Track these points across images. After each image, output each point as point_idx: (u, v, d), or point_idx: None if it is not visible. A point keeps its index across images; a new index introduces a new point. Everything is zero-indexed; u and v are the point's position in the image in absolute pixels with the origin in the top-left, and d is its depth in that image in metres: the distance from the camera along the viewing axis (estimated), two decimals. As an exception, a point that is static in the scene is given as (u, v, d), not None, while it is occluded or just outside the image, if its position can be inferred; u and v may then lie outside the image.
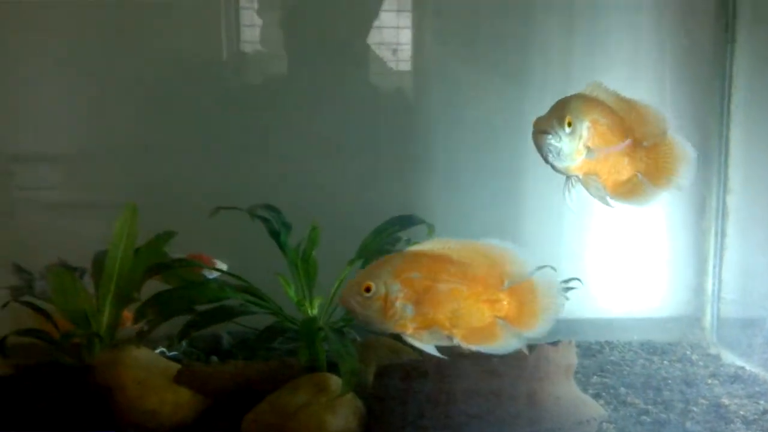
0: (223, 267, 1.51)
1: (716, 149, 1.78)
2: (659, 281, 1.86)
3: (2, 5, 1.76)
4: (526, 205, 1.86)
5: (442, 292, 1.06)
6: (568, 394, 1.24)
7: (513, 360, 1.15)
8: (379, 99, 1.93)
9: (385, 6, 1.88)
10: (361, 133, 1.87)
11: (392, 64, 1.91)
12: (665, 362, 1.62)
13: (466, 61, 1.88)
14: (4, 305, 1.36)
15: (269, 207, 1.58)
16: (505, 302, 1.08)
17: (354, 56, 1.90)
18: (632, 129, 1.12)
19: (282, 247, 1.51)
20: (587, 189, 1.10)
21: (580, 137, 1.06)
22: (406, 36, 1.90)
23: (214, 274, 1.50)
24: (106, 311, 1.38)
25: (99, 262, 1.42)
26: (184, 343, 1.52)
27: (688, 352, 1.69)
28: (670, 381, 1.50)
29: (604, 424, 1.27)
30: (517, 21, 1.86)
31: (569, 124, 1.05)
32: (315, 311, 1.48)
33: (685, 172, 1.13)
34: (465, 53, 1.89)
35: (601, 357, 1.64)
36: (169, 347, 1.51)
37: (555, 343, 1.23)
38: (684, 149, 1.12)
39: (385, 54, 1.90)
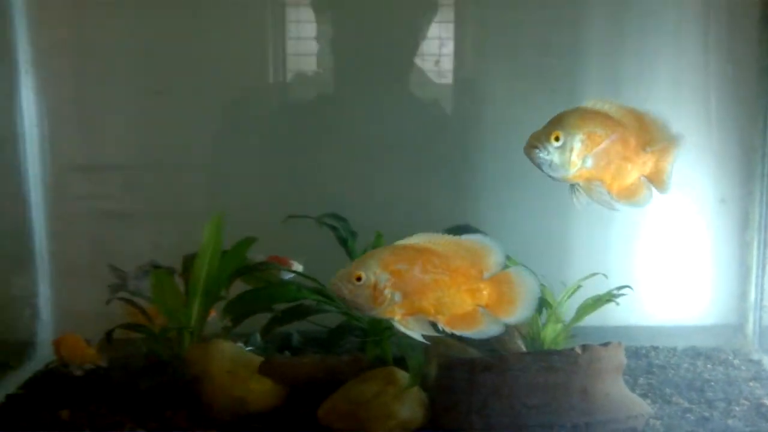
0: (299, 269, 1.65)
1: (759, 165, 1.86)
2: (704, 290, 1.93)
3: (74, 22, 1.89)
4: (575, 215, 1.94)
5: (426, 282, 1.18)
6: (618, 391, 1.34)
7: (568, 357, 1.26)
8: (432, 112, 2.02)
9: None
10: (414, 148, 1.97)
11: (436, 77, 1.98)
12: (708, 366, 1.70)
13: (516, 74, 1.97)
14: (107, 302, 1.52)
15: (336, 216, 1.72)
16: (485, 292, 1.20)
17: (403, 72, 1.99)
18: (636, 136, 1.22)
19: (350, 253, 1.65)
20: (589, 195, 1.21)
21: (572, 150, 1.17)
22: (448, 47, 1.97)
23: (291, 275, 1.64)
24: (194, 308, 1.53)
25: (188, 263, 1.57)
26: (259, 339, 1.67)
27: (730, 357, 1.76)
28: (713, 383, 1.58)
29: (651, 420, 1.37)
30: (566, 33, 1.95)
31: (557, 139, 1.16)
32: (380, 312, 1.61)
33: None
34: (515, 66, 1.98)
35: (648, 360, 1.73)
36: (246, 343, 1.65)
37: (606, 344, 1.34)
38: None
39: (429, 66, 1.98)
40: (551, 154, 1.16)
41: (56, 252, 1.88)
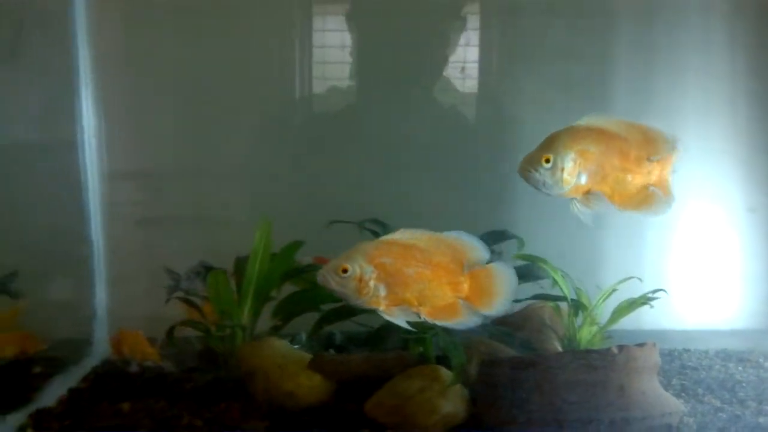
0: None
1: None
2: (734, 295, 1.98)
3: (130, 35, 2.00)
4: (607, 222, 2.00)
5: (409, 275, 1.26)
6: (653, 389, 1.39)
7: (606, 356, 1.32)
8: (465, 120, 2.10)
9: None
10: (447, 156, 2.05)
11: (467, 85, 2.05)
12: (739, 368, 1.74)
13: (545, 82, 2.03)
14: (166, 301, 1.62)
15: (376, 221, 1.79)
16: (465, 285, 1.28)
17: (432, 80, 2.07)
18: (638, 148, 1.27)
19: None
20: (589, 207, 1.27)
21: (563, 169, 1.23)
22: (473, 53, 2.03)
23: None
24: (246, 307, 1.62)
25: (240, 265, 1.66)
26: (304, 338, 1.75)
27: (761, 360, 1.80)
28: (744, 384, 1.63)
29: (685, 417, 1.42)
30: (596, 41, 2.01)
31: (547, 161, 1.23)
32: (422, 313, 1.68)
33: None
34: (543, 74, 2.04)
35: (680, 362, 1.78)
36: (292, 341, 1.73)
37: (641, 345, 1.39)
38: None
39: (456, 73, 2.05)
40: (543, 175, 1.23)
41: (110, 255, 1.97)
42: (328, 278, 1.24)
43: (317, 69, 2.03)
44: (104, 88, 1.91)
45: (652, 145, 1.28)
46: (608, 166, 1.26)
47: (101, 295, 1.95)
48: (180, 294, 1.66)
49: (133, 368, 1.71)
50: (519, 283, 1.53)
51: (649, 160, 1.28)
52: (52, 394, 1.62)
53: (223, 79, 1.99)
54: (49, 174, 1.81)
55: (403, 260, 1.26)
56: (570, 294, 1.58)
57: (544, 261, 1.59)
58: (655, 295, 1.56)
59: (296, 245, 1.66)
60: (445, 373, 1.46)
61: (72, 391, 1.66)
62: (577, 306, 1.57)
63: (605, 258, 1.99)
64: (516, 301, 1.55)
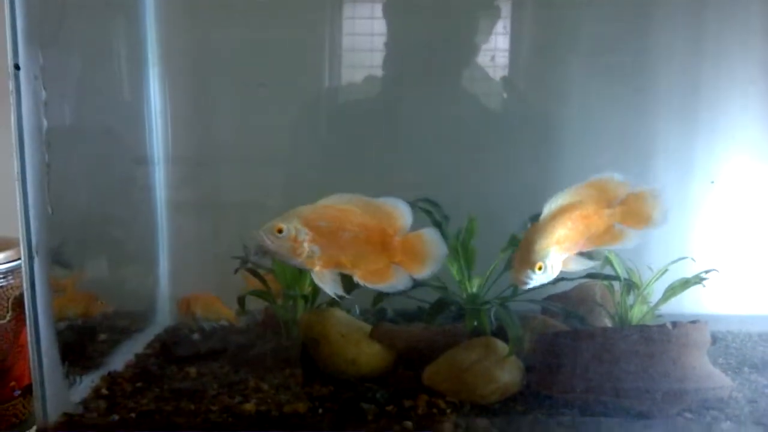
0: None
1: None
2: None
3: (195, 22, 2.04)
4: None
5: (344, 238, 1.31)
6: (703, 365, 1.45)
7: (662, 330, 1.38)
8: (513, 106, 2.14)
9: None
10: (498, 140, 2.09)
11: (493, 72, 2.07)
12: (784, 350, 1.79)
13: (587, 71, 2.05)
14: (235, 271, 1.69)
15: (429, 201, 1.85)
16: (397, 250, 1.34)
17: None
18: (595, 203, 1.39)
19: (444, 235, 1.78)
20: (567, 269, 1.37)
21: (552, 267, 1.33)
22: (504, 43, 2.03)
23: None
24: (308, 279, 1.68)
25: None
26: (358, 311, 1.81)
27: (805, 342, 1.84)
28: (789, 365, 1.67)
29: (734, 392, 1.48)
30: (637, 31, 2.02)
31: (540, 268, 1.32)
32: (475, 289, 1.74)
33: (658, 212, 1.40)
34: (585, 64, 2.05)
35: (724, 344, 1.82)
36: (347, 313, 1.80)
37: (693, 322, 1.45)
38: (652, 195, 1.40)
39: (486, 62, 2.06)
40: (539, 279, 1.33)
41: (172, 233, 2.05)
42: (264, 238, 1.29)
43: (347, 57, 2.07)
44: (171, 72, 1.98)
45: (608, 193, 1.41)
46: (576, 233, 1.37)
47: (164, 267, 2.03)
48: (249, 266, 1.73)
49: (197, 335, 1.80)
50: None
51: (609, 207, 1.40)
52: (120, 359, 1.71)
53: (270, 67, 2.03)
54: (117, 153, 1.89)
55: (338, 223, 1.32)
56: (622, 273, 1.63)
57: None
58: (708, 275, 1.60)
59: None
60: (501, 345, 1.52)
61: (138, 357, 1.75)
62: (629, 285, 1.62)
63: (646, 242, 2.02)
64: (568, 279, 1.62)
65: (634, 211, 1.39)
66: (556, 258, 1.34)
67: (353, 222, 1.33)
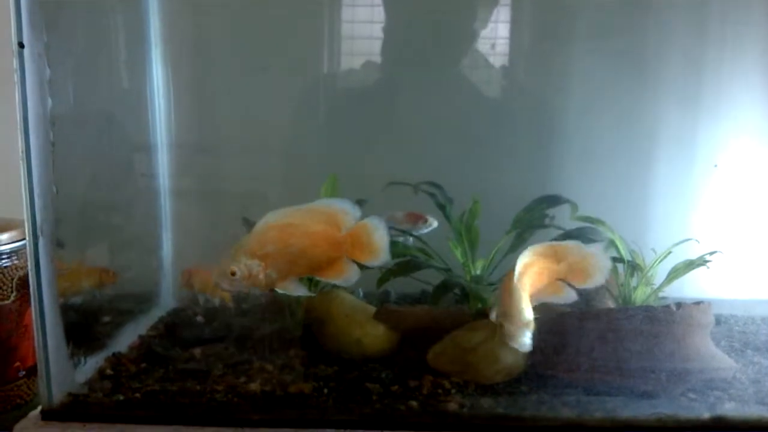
0: (434, 224, 1.80)
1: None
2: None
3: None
4: (656, 189, 2.04)
5: (293, 252, 1.34)
6: (707, 346, 1.46)
7: (667, 311, 1.38)
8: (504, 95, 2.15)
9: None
10: (501, 124, 2.08)
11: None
12: (786, 333, 1.80)
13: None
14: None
15: (433, 184, 1.85)
16: (344, 244, 1.36)
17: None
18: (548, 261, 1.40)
19: (448, 217, 1.79)
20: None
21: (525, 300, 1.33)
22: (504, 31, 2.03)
23: (432, 227, 1.80)
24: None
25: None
26: (361, 293, 1.82)
27: (808, 326, 1.84)
28: (792, 347, 1.68)
29: (737, 374, 1.48)
30: (639, 15, 2.01)
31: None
32: (479, 271, 1.75)
33: (600, 273, 1.41)
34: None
35: (727, 326, 1.83)
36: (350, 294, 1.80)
37: (697, 303, 1.46)
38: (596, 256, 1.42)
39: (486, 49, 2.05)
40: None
41: (175, 216, 2.05)
42: (222, 284, 1.32)
43: (346, 44, 2.07)
44: (173, 52, 1.97)
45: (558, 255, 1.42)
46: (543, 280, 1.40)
47: (168, 249, 2.03)
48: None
49: (200, 317, 1.81)
50: None
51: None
52: (124, 341, 1.71)
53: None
54: (119, 135, 1.88)
55: (283, 243, 1.34)
56: (626, 255, 1.63)
57: (603, 222, 1.64)
58: (711, 257, 1.60)
59: (358, 203, 1.72)
60: (507, 328, 1.50)
61: (142, 338, 1.75)
62: (633, 267, 1.63)
63: (651, 225, 2.03)
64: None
65: (578, 270, 1.41)
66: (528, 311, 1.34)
67: (296, 235, 1.35)
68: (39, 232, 1.34)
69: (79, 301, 1.64)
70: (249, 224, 1.74)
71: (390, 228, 1.76)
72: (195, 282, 1.81)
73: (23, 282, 1.49)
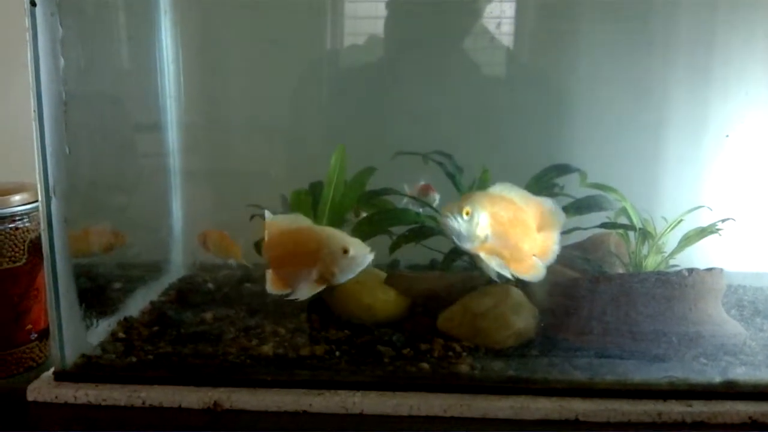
0: (437, 198, 1.82)
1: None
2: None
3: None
4: (668, 158, 2.03)
5: (510, 230, 1.36)
6: (718, 312, 1.46)
7: (679, 275, 1.38)
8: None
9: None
10: (508, 99, 2.08)
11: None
12: (796, 303, 1.80)
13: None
14: (251, 218, 1.69)
15: (442, 153, 1.84)
16: (537, 242, 1.40)
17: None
18: (533, 220, 1.41)
19: (457, 186, 1.78)
20: (489, 264, 1.38)
21: (477, 224, 1.34)
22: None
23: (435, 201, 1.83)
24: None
25: (315, 189, 1.73)
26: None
27: (817, 296, 1.84)
28: (801, 316, 1.68)
29: (747, 340, 1.49)
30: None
31: (467, 213, 1.33)
32: (489, 239, 1.74)
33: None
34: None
35: (736, 296, 1.82)
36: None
37: (709, 270, 1.46)
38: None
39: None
40: (461, 225, 1.33)
41: (185, 187, 2.06)
42: (450, 219, 1.33)
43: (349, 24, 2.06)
44: (181, 20, 1.96)
45: (545, 220, 1.43)
46: (512, 234, 1.39)
47: (178, 218, 2.04)
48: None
49: (211, 284, 1.82)
50: (584, 213, 1.63)
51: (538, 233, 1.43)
52: (135, 306, 1.72)
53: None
54: (130, 97, 1.88)
55: (510, 215, 1.37)
56: (637, 223, 1.63)
57: (615, 190, 1.63)
58: (723, 225, 1.60)
59: (369, 171, 1.73)
60: (516, 292, 1.52)
61: (153, 303, 1.76)
62: (645, 235, 1.62)
63: (664, 193, 2.03)
64: (583, 229, 1.63)
65: (544, 246, 1.43)
66: (484, 226, 1.35)
67: (518, 216, 1.39)
68: (52, 193, 1.35)
69: (89, 262, 1.64)
70: (284, 200, 1.75)
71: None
72: (209, 243, 1.82)
73: (35, 245, 1.49)
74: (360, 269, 1.39)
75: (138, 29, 1.92)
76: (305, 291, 1.40)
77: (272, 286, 1.43)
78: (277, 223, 1.46)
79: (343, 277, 1.39)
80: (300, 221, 1.49)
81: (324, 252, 1.38)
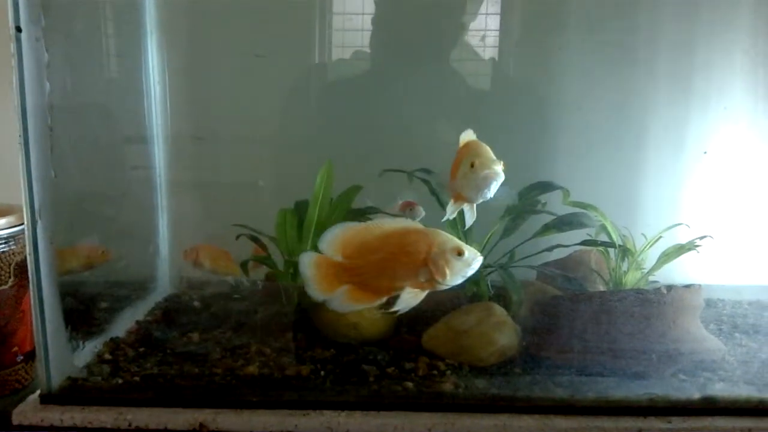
0: (422, 214, 1.81)
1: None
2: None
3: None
4: (647, 175, 2.06)
5: None
6: (697, 328, 1.49)
7: (658, 293, 1.41)
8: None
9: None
10: (492, 114, 2.10)
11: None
12: (774, 317, 1.83)
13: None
14: (237, 238, 1.70)
15: (426, 170, 1.87)
16: None
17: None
18: None
19: (441, 203, 1.80)
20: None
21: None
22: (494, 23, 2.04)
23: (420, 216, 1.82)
24: (308, 245, 1.69)
25: (300, 207, 1.74)
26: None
27: (794, 311, 1.88)
28: (779, 330, 1.72)
29: (726, 355, 1.51)
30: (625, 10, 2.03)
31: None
32: (473, 255, 1.76)
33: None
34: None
35: (715, 310, 1.86)
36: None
37: (687, 286, 1.49)
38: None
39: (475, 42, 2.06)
40: (499, 174, 1.34)
41: (172, 204, 2.06)
42: (492, 170, 1.33)
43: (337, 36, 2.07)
44: (168, 40, 1.97)
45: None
46: None
47: (164, 236, 2.04)
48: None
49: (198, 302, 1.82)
50: (565, 230, 1.65)
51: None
52: (122, 326, 1.73)
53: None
54: (116, 118, 1.89)
55: None
56: (617, 240, 1.66)
57: (595, 208, 1.66)
58: (701, 242, 1.63)
59: (355, 189, 1.74)
60: (499, 310, 1.55)
61: (140, 323, 1.76)
62: (624, 252, 1.65)
63: (643, 210, 2.06)
64: (563, 246, 1.65)
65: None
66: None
67: None
68: (37, 216, 1.35)
69: (75, 282, 1.64)
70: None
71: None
72: (205, 259, 1.78)
73: (21, 267, 1.50)
74: (471, 273, 1.28)
75: (124, 49, 1.93)
76: (410, 299, 1.28)
77: (354, 300, 1.29)
78: (367, 226, 1.31)
79: (454, 281, 1.27)
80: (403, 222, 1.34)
81: (435, 253, 1.26)
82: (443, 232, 1.33)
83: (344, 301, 1.28)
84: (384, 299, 1.30)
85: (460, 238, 1.74)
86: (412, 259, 1.27)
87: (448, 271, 1.25)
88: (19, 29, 1.28)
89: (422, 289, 1.29)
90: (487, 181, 1.34)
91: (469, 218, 1.47)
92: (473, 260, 1.26)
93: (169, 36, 1.96)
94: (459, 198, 1.43)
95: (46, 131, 1.36)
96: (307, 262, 1.28)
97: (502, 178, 1.34)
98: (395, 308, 1.27)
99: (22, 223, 1.41)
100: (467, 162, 1.36)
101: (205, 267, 1.79)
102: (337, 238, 1.29)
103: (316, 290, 1.28)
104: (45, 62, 1.34)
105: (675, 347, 1.40)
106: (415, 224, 1.33)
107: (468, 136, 1.49)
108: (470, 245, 1.74)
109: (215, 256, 1.78)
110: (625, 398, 1.35)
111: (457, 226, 1.77)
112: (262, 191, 2.04)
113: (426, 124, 2.07)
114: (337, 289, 1.28)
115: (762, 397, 1.36)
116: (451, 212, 1.46)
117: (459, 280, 1.27)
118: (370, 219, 1.73)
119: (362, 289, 1.29)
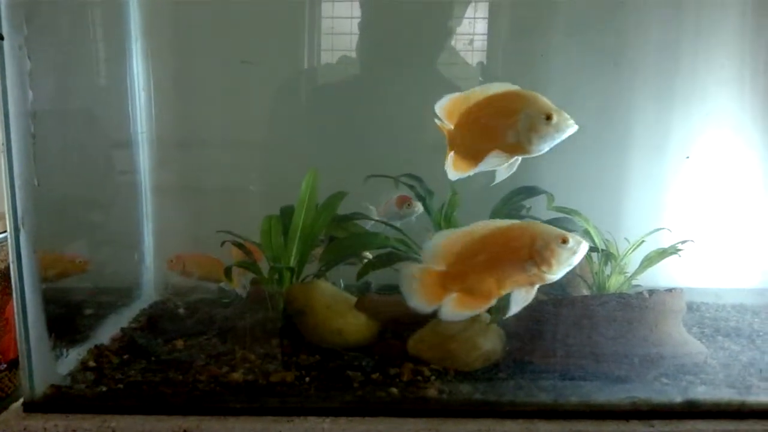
0: (420, 209, 1.79)
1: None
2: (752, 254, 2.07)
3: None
4: (630, 180, 2.08)
5: None
6: (679, 331, 1.50)
7: (640, 297, 1.42)
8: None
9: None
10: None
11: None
12: (756, 320, 1.83)
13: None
14: (222, 244, 1.70)
15: (413, 176, 1.87)
16: None
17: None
18: None
19: (428, 209, 1.81)
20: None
21: None
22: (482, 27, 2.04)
23: (418, 212, 1.80)
24: (293, 251, 1.70)
25: (286, 214, 1.74)
26: (342, 284, 1.84)
27: (776, 314, 1.90)
28: (761, 333, 1.72)
29: (708, 359, 1.53)
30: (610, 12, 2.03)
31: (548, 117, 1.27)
32: (458, 261, 1.77)
33: None
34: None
35: (698, 314, 1.87)
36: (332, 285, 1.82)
37: (669, 290, 1.50)
38: None
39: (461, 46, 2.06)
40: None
41: (156, 210, 2.05)
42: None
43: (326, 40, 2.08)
44: (153, 47, 1.97)
45: None
46: None
47: (149, 244, 2.04)
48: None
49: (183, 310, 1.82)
50: None
51: None
52: (106, 333, 1.72)
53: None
54: (100, 127, 1.89)
55: None
56: (600, 244, 1.67)
57: (578, 213, 1.68)
58: (683, 246, 1.65)
59: (340, 195, 1.75)
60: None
61: (124, 330, 1.76)
62: (607, 256, 1.67)
63: (626, 215, 2.08)
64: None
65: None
66: None
67: None
68: (20, 225, 1.35)
69: (59, 289, 1.63)
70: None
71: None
72: (193, 267, 1.77)
73: (4, 275, 1.49)
74: (578, 260, 1.24)
75: (109, 56, 1.93)
76: (522, 297, 1.25)
77: (464, 307, 1.27)
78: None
79: (561, 271, 1.24)
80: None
81: (540, 245, 1.23)
82: (543, 224, 1.32)
83: (454, 309, 1.27)
84: (493, 302, 1.29)
85: (444, 226, 1.74)
86: (517, 255, 1.25)
87: (554, 261, 1.23)
88: (1, 37, 1.28)
89: (531, 284, 1.27)
90: (565, 134, 1.29)
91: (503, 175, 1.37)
92: (578, 247, 1.24)
93: (154, 42, 1.96)
94: (515, 150, 1.31)
95: (29, 139, 1.35)
96: (410, 274, 1.28)
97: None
98: (510, 312, 1.26)
99: (5, 231, 1.40)
100: (535, 113, 1.27)
101: (195, 276, 1.79)
102: (439, 248, 1.29)
103: (421, 302, 1.28)
104: (28, 70, 1.34)
105: (657, 351, 1.41)
106: (514, 220, 1.31)
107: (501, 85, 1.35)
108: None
109: (202, 263, 1.78)
110: (608, 402, 1.36)
111: (440, 216, 1.77)
112: (249, 196, 2.04)
113: (414, 129, 2.08)
114: (443, 299, 1.28)
115: (743, 399, 1.37)
116: (507, 165, 1.35)
117: (566, 269, 1.25)
118: (355, 224, 1.75)
119: (469, 295, 1.28)
